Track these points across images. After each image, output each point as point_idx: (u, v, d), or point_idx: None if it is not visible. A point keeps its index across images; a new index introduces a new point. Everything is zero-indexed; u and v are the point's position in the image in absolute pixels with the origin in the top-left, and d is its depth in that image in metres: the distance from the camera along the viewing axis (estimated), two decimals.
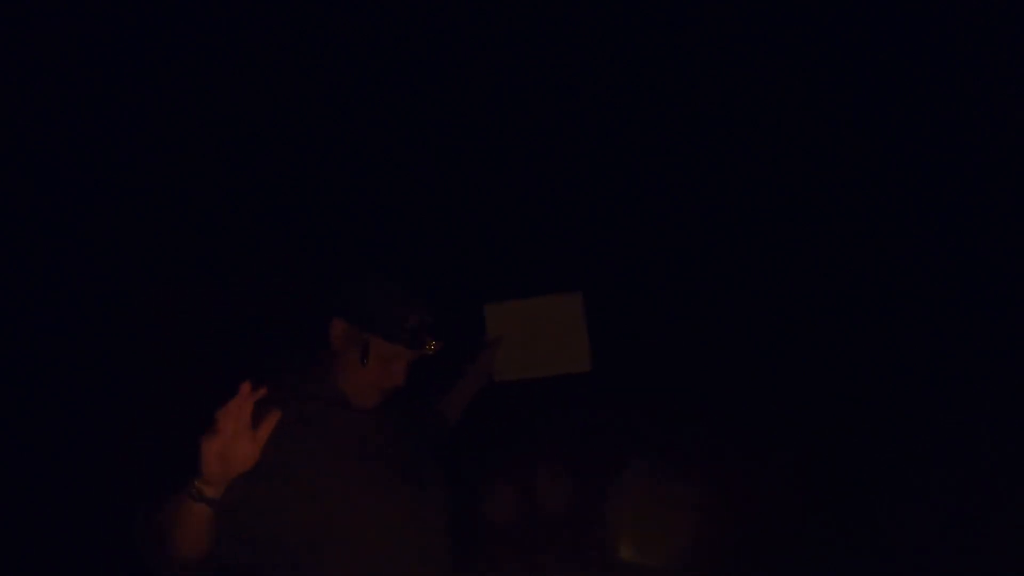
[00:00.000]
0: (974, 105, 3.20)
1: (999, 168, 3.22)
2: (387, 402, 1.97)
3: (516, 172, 3.39)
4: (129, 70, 3.20)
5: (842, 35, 3.23)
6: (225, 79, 3.21)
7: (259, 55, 3.22)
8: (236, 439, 1.45)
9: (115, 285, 3.22)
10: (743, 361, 3.29)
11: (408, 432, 2.04)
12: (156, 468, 1.69)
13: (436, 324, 1.92)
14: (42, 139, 3.15)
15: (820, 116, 3.28)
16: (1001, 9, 3.05)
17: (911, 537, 3.11)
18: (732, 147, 3.36)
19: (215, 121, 3.22)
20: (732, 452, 3.12)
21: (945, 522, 3.06)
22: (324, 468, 1.78)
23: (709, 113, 3.33)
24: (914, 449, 3.11)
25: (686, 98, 3.32)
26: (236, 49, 3.20)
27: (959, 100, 3.20)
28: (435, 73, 3.32)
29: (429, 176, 3.39)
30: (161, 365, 3.07)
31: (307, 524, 1.72)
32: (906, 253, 3.27)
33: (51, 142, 3.22)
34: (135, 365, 3.12)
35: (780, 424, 3.19)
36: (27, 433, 3.10)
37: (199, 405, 1.56)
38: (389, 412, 1.97)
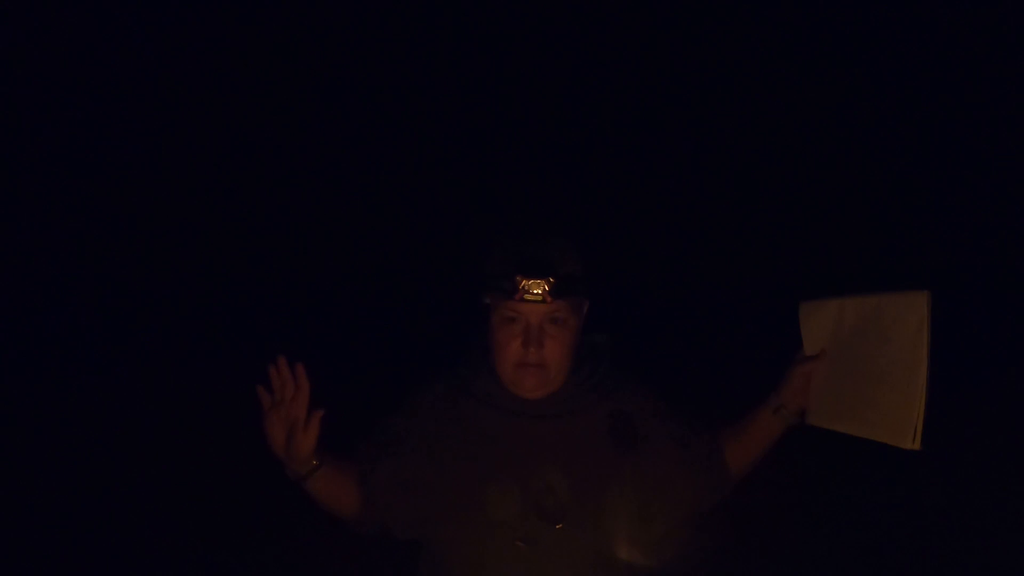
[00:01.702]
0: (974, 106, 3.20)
1: (999, 168, 3.23)
2: (582, 410, 1.65)
3: None
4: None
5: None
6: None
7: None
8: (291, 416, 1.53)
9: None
10: (740, 358, 3.21)
11: (608, 457, 1.64)
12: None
13: (542, 266, 1.54)
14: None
15: None
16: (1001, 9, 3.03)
17: (909, 538, 3.15)
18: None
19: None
20: None
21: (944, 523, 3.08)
22: (452, 479, 1.63)
23: None
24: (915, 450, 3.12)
25: None
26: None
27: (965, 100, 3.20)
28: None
29: None
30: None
31: (429, 526, 1.66)
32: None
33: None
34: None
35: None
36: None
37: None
38: (584, 424, 1.64)
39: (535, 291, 1.54)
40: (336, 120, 3.41)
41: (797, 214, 3.35)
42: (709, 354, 3.24)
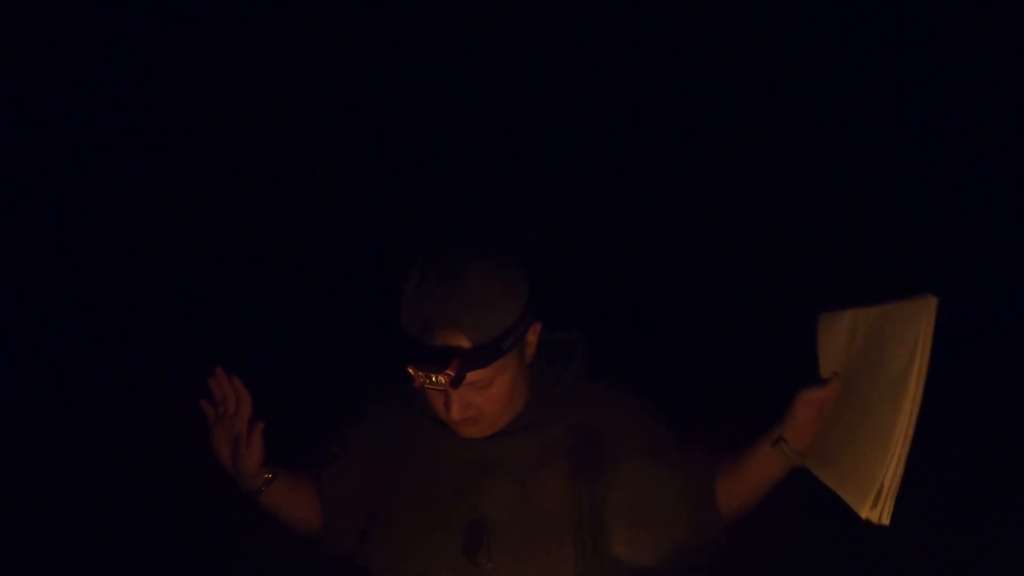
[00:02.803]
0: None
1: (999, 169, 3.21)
2: (543, 429, 1.41)
3: None
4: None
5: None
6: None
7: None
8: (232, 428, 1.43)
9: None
10: (741, 358, 3.09)
11: (561, 485, 1.40)
12: None
13: (438, 359, 1.25)
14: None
15: None
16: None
17: (908, 537, 3.08)
18: None
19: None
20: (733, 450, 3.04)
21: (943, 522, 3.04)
22: (385, 500, 1.49)
23: None
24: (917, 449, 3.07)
25: None
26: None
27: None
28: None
29: None
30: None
31: (368, 550, 1.53)
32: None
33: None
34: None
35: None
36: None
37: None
38: (538, 443, 1.41)
39: (435, 381, 1.27)
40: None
41: (812, 205, 3.21)
42: (715, 357, 2.99)
